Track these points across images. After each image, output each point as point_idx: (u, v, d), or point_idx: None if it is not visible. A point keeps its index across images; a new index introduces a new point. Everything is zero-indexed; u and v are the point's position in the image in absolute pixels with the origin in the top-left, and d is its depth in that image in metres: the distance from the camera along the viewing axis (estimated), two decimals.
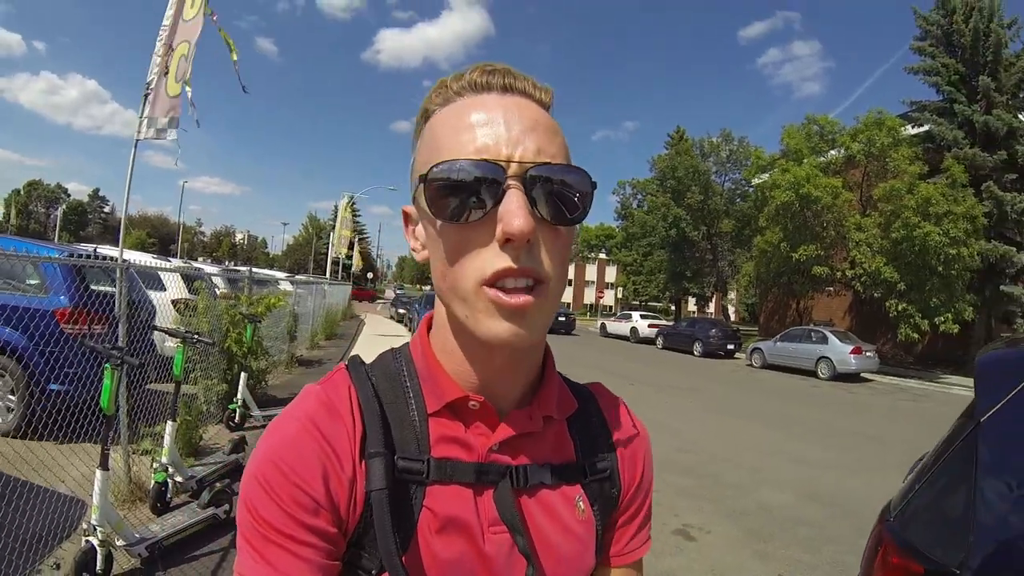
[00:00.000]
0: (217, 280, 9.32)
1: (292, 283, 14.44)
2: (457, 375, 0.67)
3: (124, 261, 4.68)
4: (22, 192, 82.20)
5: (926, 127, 23.45)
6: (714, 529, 5.16)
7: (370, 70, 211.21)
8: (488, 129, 0.59)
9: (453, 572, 0.64)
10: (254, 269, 10.01)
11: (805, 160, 23.48)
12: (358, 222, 65.78)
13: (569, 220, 0.60)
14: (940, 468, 1.74)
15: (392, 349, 0.75)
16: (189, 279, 8.71)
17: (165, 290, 8.34)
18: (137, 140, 4.58)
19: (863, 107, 45.52)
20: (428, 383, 0.68)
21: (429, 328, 0.73)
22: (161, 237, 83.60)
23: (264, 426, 5.95)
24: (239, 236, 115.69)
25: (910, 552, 1.63)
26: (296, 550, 0.58)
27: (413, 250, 0.69)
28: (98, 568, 3.21)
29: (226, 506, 4.15)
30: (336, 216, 30.30)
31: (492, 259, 0.57)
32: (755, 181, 28.64)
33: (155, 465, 4.39)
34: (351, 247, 31.78)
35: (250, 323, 7.02)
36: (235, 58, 5.08)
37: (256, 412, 6.76)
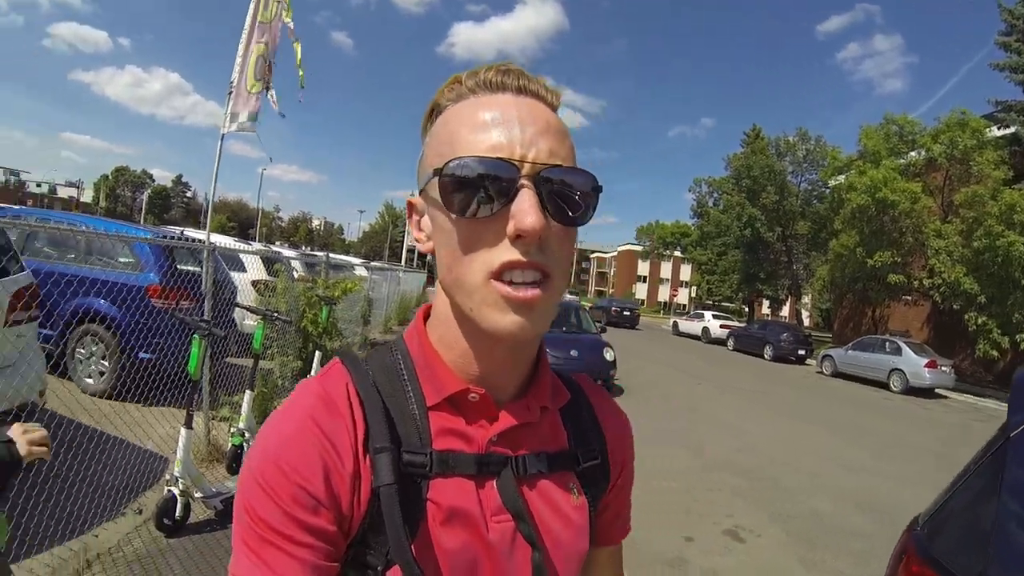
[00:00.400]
0: (295, 264, 9.73)
1: (367, 269, 14.88)
2: (456, 367, 0.68)
3: (211, 243, 5.06)
4: (110, 177, 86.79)
5: (1012, 128, 22.03)
6: (764, 532, 5.19)
7: (444, 62, 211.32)
8: (503, 129, 0.60)
9: (458, 562, 0.64)
10: (330, 254, 10.42)
11: (883, 162, 22.37)
12: None
13: (575, 221, 0.63)
14: (968, 481, 1.77)
15: (388, 342, 0.75)
16: (269, 262, 9.16)
17: (246, 271, 8.82)
18: (223, 134, 4.94)
19: (948, 105, 42.74)
20: (427, 376, 0.69)
21: (426, 320, 0.74)
22: (240, 222, 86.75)
23: None
24: (316, 222, 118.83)
25: (930, 561, 1.69)
26: (293, 551, 0.58)
27: (417, 240, 0.69)
28: (177, 515, 3.56)
29: None
30: None
31: (501, 252, 0.59)
32: (831, 182, 27.66)
33: (232, 430, 4.75)
34: None
35: (326, 305, 7.36)
36: (302, 73, 5.37)
37: None
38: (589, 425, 0.81)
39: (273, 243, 52.03)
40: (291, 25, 5.09)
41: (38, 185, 75.90)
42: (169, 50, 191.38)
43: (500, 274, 0.59)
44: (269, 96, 5.08)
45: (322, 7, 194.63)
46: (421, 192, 0.68)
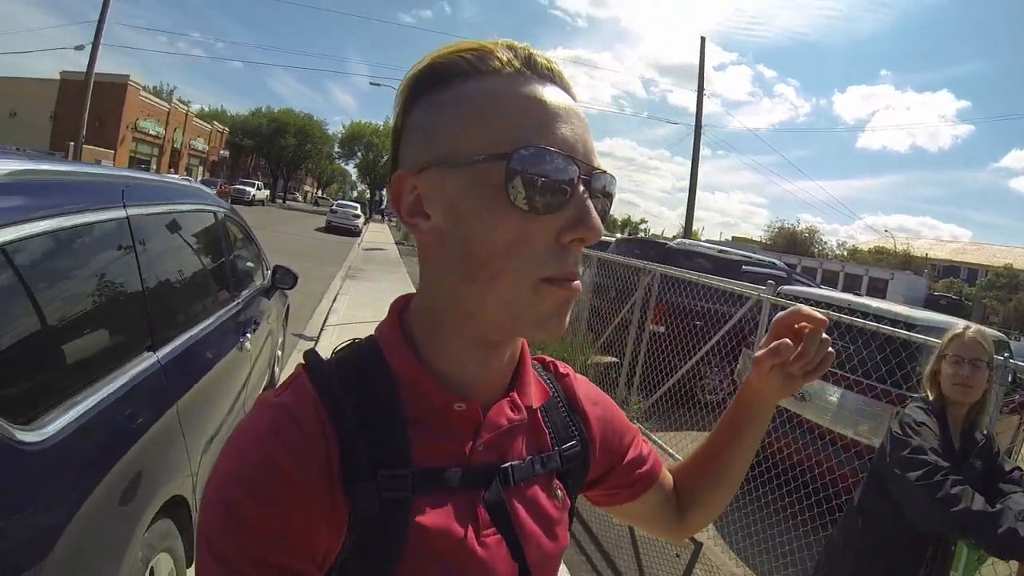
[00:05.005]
0: None
1: None
2: (441, 374, 0.61)
3: None
4: None
5: None
6: None
7: None
8: (568, 124, 0.55)
9: None
10: None
11: None
12: None
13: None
14: None
15: (358, 345, 0.65)
16: None
17: None
18: None
19: None
20: (406, 385, 0.61)
21: (399, 323, 0.66)
22: None
23: None
24: None
25: None
26: None
27: (412, 225, 0.59)
28: None
29: None
30: None
31: (554, 256, 0.55)
32: None
33: None
34: None
35: None
36: None
37: None
38: (568, 417, 0.75)
39: None
40: None
41: None
42: None
43: (552, 279, 0.55)
44: None
45: None
46: (422, 171, 0.57)
